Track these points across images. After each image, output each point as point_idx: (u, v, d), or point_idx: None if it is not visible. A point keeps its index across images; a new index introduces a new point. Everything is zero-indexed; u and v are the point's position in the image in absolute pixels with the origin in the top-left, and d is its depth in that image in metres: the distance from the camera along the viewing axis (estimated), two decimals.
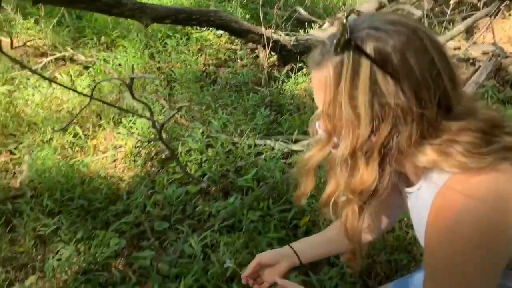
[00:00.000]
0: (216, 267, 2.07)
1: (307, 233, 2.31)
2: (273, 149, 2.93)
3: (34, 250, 2.31)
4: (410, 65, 0.73)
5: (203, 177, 2.75)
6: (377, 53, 0.73)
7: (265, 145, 2.98)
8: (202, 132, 3.06)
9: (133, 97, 1.63)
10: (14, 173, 3.03)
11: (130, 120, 3.30)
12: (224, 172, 2.79)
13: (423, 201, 0.83)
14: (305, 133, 3.24)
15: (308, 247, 1.26)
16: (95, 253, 2.21)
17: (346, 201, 0.85)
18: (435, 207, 0.78)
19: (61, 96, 3.59)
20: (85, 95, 1.93)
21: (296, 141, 3.02)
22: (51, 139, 3.16)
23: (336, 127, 0.80)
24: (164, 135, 2.93)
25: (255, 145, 2.98)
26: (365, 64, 0.73)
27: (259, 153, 2.94)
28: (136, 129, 3.21)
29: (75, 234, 2.31)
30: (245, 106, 3.44)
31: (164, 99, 3.59)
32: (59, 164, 2.81)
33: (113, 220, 2.45)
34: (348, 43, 0.73)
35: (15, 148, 3.17)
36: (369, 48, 0.74)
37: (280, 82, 3.82)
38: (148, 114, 1.84)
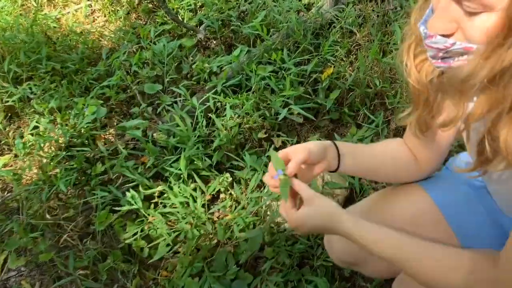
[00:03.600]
0: (223, 134, 1.70)
1: (330, 89, 1.89)
2: None
3: (8, 125, 1.95)
4: None
5: (199, 27, 2.24)
6: None
7: None
8: None
9: None
10: None
11: None
12: (225, 18, 2.26)
13: None
14: None
15: (351, 154, 1.01)
16: (75, 124, 1.83)
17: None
18: None
19: None
20: None
21: None
22: None
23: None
24: None
25: None
26: None
27: None
28: None
29: (49, 103, 1.90)
30: None
31: None
32: (21, 20, 2.28)
33: (94, 85, 2.02)
34: None
35: None
36: None
37: None
38: None
